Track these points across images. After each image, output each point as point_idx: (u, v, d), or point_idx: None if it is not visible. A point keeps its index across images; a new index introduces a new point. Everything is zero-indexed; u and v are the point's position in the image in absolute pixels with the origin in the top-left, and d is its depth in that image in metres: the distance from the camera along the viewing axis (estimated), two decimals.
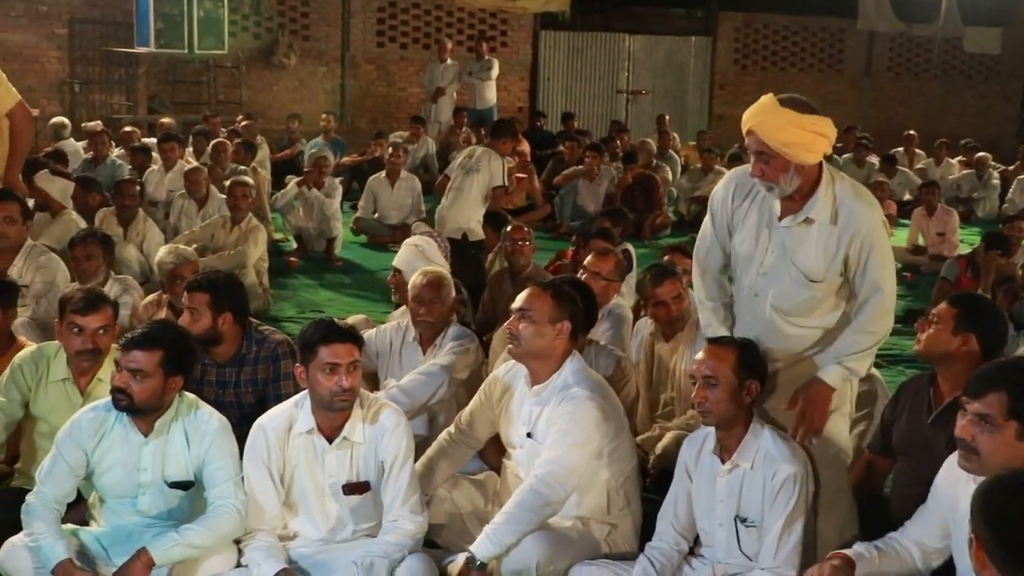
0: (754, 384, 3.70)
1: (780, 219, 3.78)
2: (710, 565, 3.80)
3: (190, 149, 11.71)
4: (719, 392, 3.64)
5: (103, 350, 4.28)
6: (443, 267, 5.42)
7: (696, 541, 3.89)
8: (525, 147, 13.09)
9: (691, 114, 20.11)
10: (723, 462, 3.73)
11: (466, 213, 7.99)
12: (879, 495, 4.23)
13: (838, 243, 3.71)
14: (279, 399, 4.35)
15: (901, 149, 15.74)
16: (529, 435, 4.07)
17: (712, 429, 3.77)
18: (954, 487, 3.22)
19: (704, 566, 3.81)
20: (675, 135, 15.89)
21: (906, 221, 12.11)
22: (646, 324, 5.54)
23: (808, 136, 3.59)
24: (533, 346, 4.01)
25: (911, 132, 16.44)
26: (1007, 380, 2.99)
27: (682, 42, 20.10)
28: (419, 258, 5.59)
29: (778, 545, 3.60)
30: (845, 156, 15.17)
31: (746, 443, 3.69)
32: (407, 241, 5.90)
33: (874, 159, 14.90)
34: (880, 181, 11.85)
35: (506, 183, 8.28)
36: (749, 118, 3.67)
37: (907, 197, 14.09)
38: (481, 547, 3.75)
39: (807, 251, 3.75)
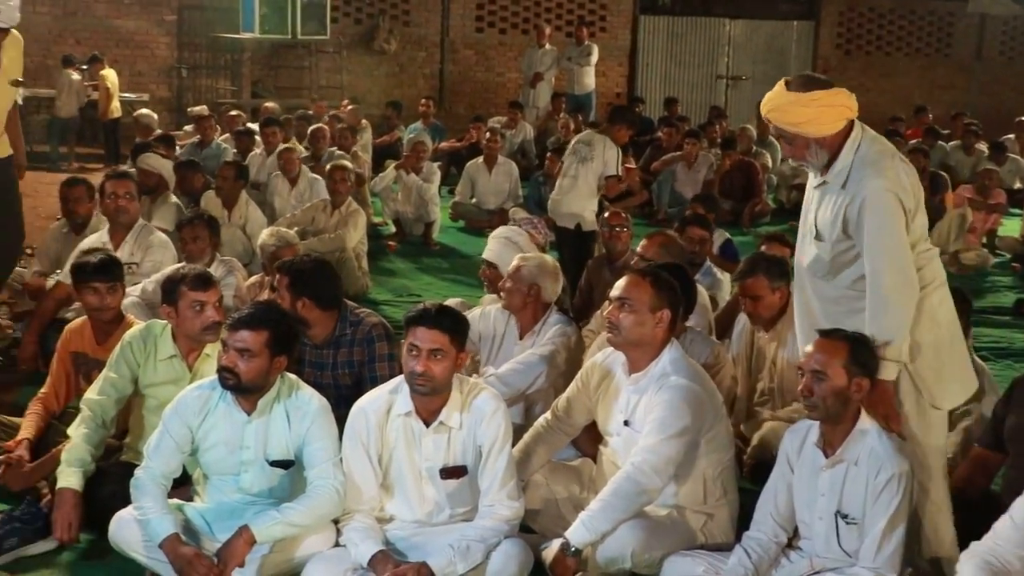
0: (864, 382, 3.62)
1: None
2: (808, 558, 3.74)
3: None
4: (827, 387, 3.57)
5: (223, 322, 4.38)
6: (535, 256, 5.35)
7: (795, 533, 3.84)
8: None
9: None
10: (826, 456, 3.67)
11: (580, 203, 7.94)
12: (988, 490, 4.13)
13: (840, 204, 3.74)
14: (374, 381, 4.40)
15: (1012, 136, 15.23)
16: (626, 423, 4.05)
17: (816, 422, 3.71)
18: None
19: (802, 559, 3.75)
20: None
21: (1017, 211, 11.77)
22: None
23: (814, 111, 3.70)
24: (632, 335, 3.99)
25: (1022, 119, 15.92)
26: None
27: (784, 26, 19.75)
28: (509, 249, 5.50)
29: (880, 545, 3.53)
30: (953, 143, 14.78)
31: (851, 439, 3.62)
32: (494, 234, 5.79)
33: (983, 146, 14.47)
34: (989, 169, 11.48)
35: (619, 172, 8.09)
36: (763, 106, 3.84)
37: (1017, 185, 13.68)
38: (576, 533, 3.75)
39: (822, 211, 3.83)
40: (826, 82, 3.79)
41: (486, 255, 5.68)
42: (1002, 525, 3.33)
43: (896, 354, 3.65)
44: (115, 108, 14.74)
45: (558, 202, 8.07)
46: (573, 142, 8.47)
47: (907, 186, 3.70)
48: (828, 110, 3.72)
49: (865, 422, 3.65)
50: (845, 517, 3.63)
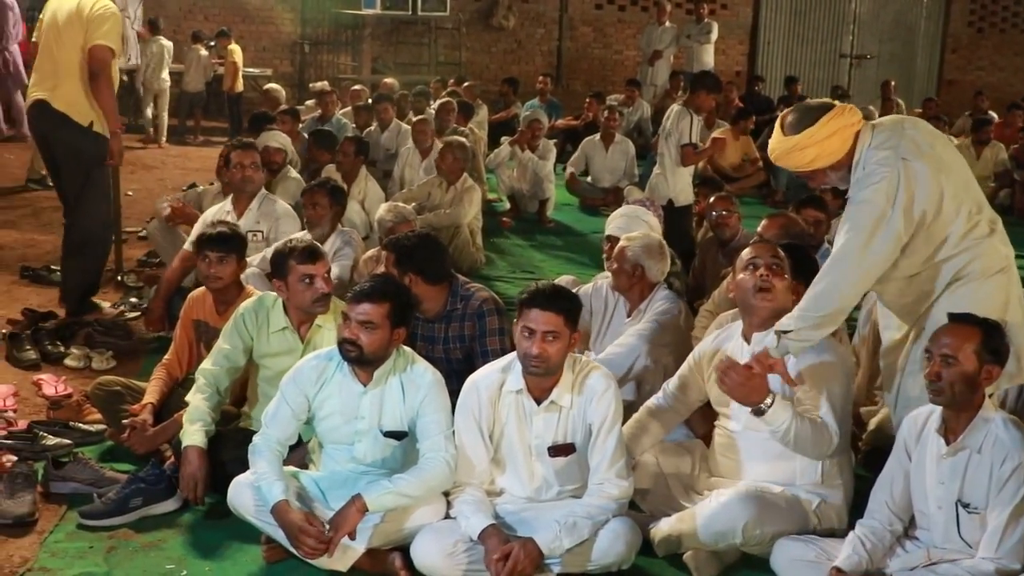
0: (995, 370, 3.52)
1: None
2: (925, 549, 3.64)
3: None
4: (956, 372, 3.47)
5: (332, 293, 4.46)
6: (657, 232, 5.32)
7: (911, 522, 3.75)
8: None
9: (919, 80, 19.21)
10: (948, 443, 3.57)
11: (668, 179, 7.86)
12: None
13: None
14: (485, 356, 4.43)
15: None
16: None
17: (938, 408, 3.61)
18: None
19: (918, 549, 3.66)
20: (900, 102, 15.20)
21: None
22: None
23: (816, 149, 3.81)
24: (781, 300, 3.99)
25: None
26: None
27: (912, 3, 19.18)
28: (637, 225, 5.47)
29: (1003, 535, 3.42)
30: None
31: (975, 426, 3.52)
32: (618, 211, 5.78)
33: None
34: None
35: (694, 140, 7.85)
36: (770, 154, 4.01)
37: None
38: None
39: None
40: (820, 108, 3.85)
41: (611, 231, 5.64)
42: None
43: (793, 336, 3.74)
44: (239, 83, 15.09)
45: (654, 181, 8.01)
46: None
47: (899, 193, 3.71)
48: (829, 141, 3.81)
49: (989, 410, 3.54)
50: (967, 506, 3.53)
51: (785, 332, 3.77)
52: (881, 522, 3.71)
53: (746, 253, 4.13)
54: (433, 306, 4.66)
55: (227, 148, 6.53)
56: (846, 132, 3.82)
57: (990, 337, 3.51)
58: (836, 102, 3.93)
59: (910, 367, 3.99)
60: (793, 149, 3.84)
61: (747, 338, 4.08)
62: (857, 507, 3.93)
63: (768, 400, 3.73)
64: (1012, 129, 13.72)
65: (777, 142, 3.90)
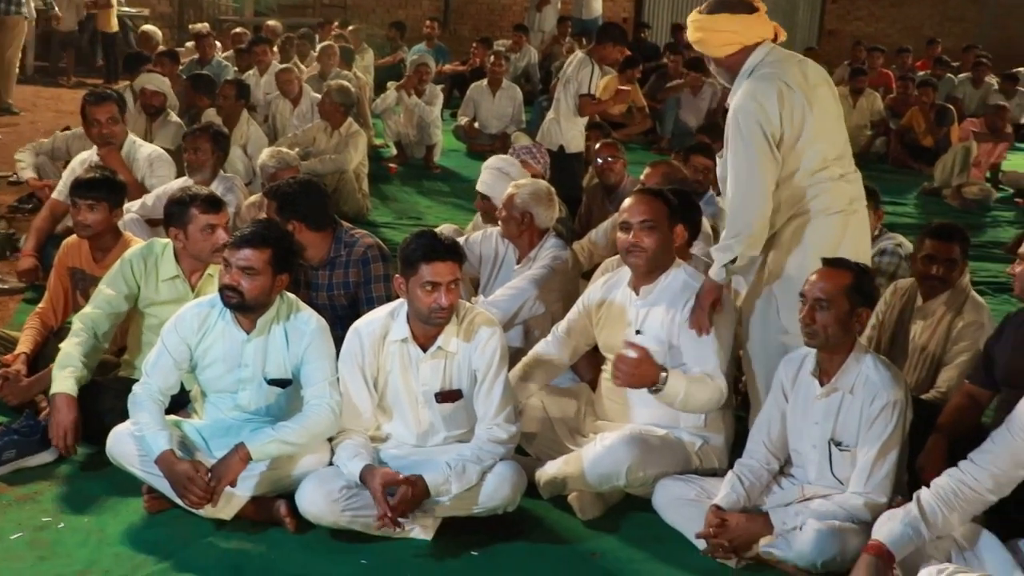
0: (865, 312, 3.64)
1: None
2: (799, 485, 3.77)
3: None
4: (829, 316, 3.57)
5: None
6: (528, 183, 5.29)
7: (787, 461, 3.87)
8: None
9: (800, 29, 19.54)
10: (821, 385, 3.69)
11: (562, 125, 7.87)
12: (979, 425, 4.14)
13: None
14: (371, 302, 4.41)
15: (1021, 69, 15.09)
16: (638, 331, 4.07)
17: (811, 351, 3.71)
18: None
19: (793, 486, 3.79)
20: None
21: (1023, 145, 11.70)
22: None
23: (702, 34, 4.01)
24: (656, 253, 4.04)
25: None
26: None
27: None
28: (501, 180, 5.45)
29: (871, 471, 3.56)
30: (962, 75, 14.64)
31: (847, 367, 3.64)
32: (487, 164, 5.72)
33: (992, 79, 14.34)
34: (1001, 106, 11.37)
35: (592, 91, 7.83)
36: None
37: None
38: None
39: None
40: (734, 5, 3.97)
41: (479, 186, 5.64)
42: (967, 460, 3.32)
43: (720, 260, 3.90)
44: (114, 23, 14.57)
45: (545, 127, 8.02)
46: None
47: (772, 114, 3.85)
48: (713, 35, 3.99)
49: (860, 351, 3.66)
50: (839, 444, 3.66)
51: (731, 263, 3.88)
52: (759, 461, 3.82)
53: (620, 212, 4.16)
54: (317, 253, 4.61)
55: (84, 102, 6.24)
56: (734, 38, 3.95)
57: (860, 281, 3.62)
58: (761, 10, 4.05)
59: (758, 308, 4.12)
60: (691, 23, 4.05)
61: (636, 289, 4.14)
62: (737, 448, 4.04)
63: (660, 380, 3.82)
64: (884, 76, 14.12)
65: (691, 16, 4.07)
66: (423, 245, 3.71)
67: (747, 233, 3.85)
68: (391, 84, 10.77)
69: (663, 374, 3.83)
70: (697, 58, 12.97)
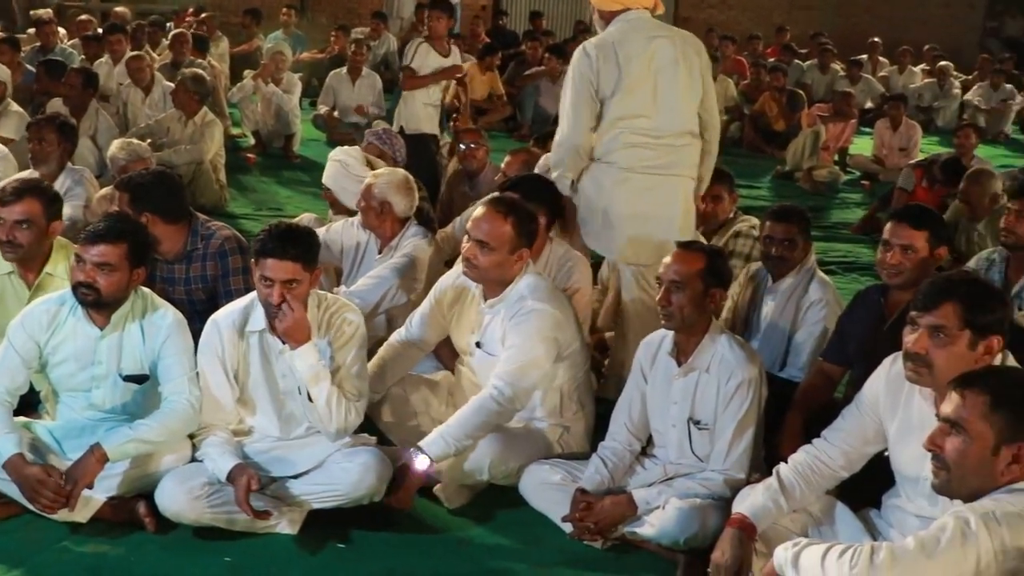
0: (719, 292, 3.73)
1: None
2: (661, 465, 3.85)
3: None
4: (684, 297, 3.65)
5: (24, 244, 4.13)
6: (385, 172, 5.24)
7: (648, 441, 3.94)
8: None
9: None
10: (679, 365, 3.76)
11: (409, 106, 7.87)
12: (832, 401, 4.29)
13: None
14: (229, 295, 4.33)
15: (865, 56, 15.68)
16: (478, 344, 4.09)
17: (669, 332, 3.79)
18: (895, 395, 3.23)
19: (656, 466, 3.87)
20: None
21: (868, 129, 12.14)
22: None
23: None
24: (491, 274, 4.01)
25: (875, 39, 16.38)
26: (958, 291, 3.00)
27: None
28: (342, 174, 5.44)
29: (729, 448, 3.65)
30: (809, 62, 15.14)
31: (703, 347, 3.72)
32: (331, 155, 5.66)
33: (838, 66, 14.85)
34: (846, 93, 11.79)
35: (412, 65, 7.84)
36: None
37: (869, 105, 14.10)
38: (433, 445, 3.79)
39: None
40: None
41: (324, 179, 5.60)
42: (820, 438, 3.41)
43: (556, 177, 4.73)
44: None
45: (397, 111, 8.01)
46: None
47: (595, 69, 4.58)
48: None
49: (715, 331, 3.75)
50: (697, 423, 3.74)
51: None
52: (621, 443, 3.88)
53: (470, 220, 4.09)
54: (172, 246, 4.49)
55: None
56: None
57: (713, 263, 3.72)
58: None
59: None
60: None
61: (484, 297, 4.12)
62: (600, 430, 4.09)
63: (420, 456, 3.80)
64: (737, 63, 14.51)
65: None
66: (266, 239, 3.63)
67: (563, 152, 4.70)
68: (248, 73, 10.58)
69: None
70: (556, 45, 13.14)
